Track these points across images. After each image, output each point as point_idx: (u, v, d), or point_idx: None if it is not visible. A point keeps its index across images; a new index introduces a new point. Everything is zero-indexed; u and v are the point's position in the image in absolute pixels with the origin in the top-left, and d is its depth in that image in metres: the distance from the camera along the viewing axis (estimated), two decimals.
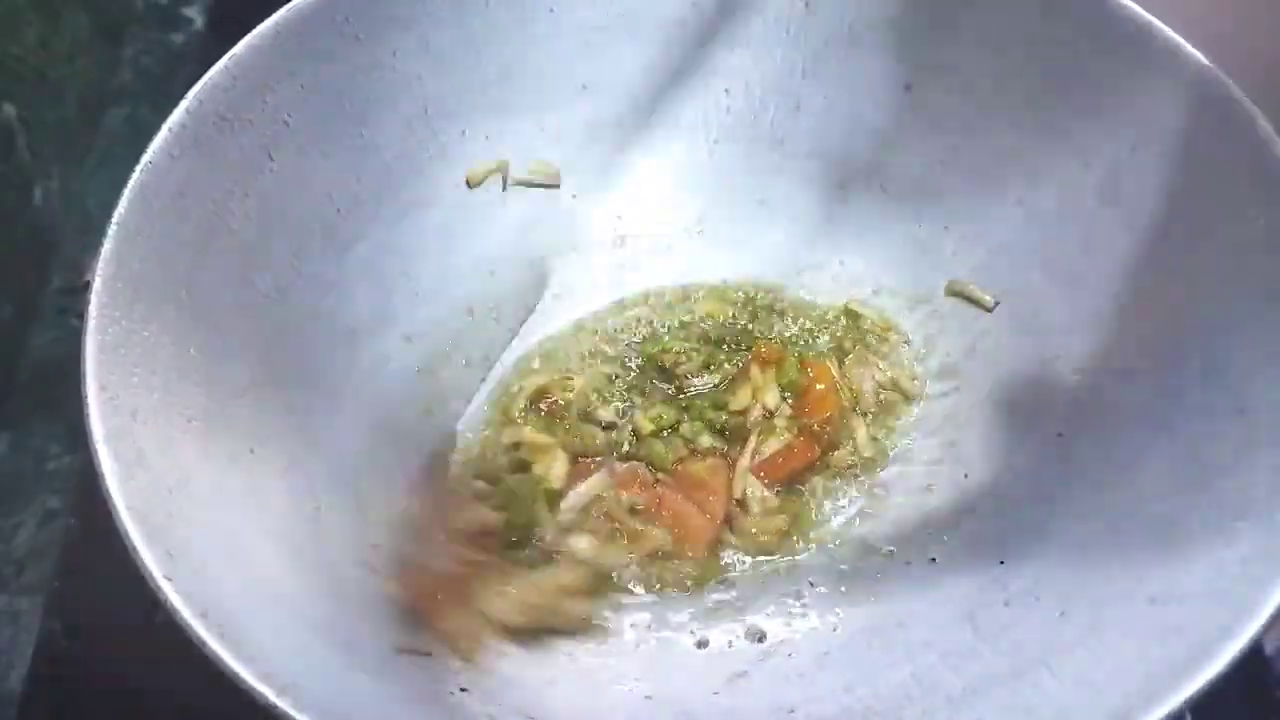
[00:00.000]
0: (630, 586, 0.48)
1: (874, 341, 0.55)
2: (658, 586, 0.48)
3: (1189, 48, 0.45)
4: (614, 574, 0.48)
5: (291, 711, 0.32)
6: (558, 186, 0.56)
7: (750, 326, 0.55)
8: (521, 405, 0.53)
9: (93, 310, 0.39)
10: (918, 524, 0.49)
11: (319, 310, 0.49)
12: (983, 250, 0.53)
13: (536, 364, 0.55)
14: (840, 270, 0.57)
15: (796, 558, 0.49)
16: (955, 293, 0.54)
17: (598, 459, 0.51)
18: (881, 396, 0.53)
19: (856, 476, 0.51)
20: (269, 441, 0.44)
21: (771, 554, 0.49)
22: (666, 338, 0.55)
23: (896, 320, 0.55)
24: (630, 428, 0.52)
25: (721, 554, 0.49)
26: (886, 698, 0.41)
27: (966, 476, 0.49)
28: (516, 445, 0.52)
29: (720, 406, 0.52)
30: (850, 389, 0.53)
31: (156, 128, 0.43)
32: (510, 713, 0.41)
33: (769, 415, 0.52)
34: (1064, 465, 0.47)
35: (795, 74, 0.55)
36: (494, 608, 0.44)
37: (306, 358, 0.48)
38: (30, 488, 0.57)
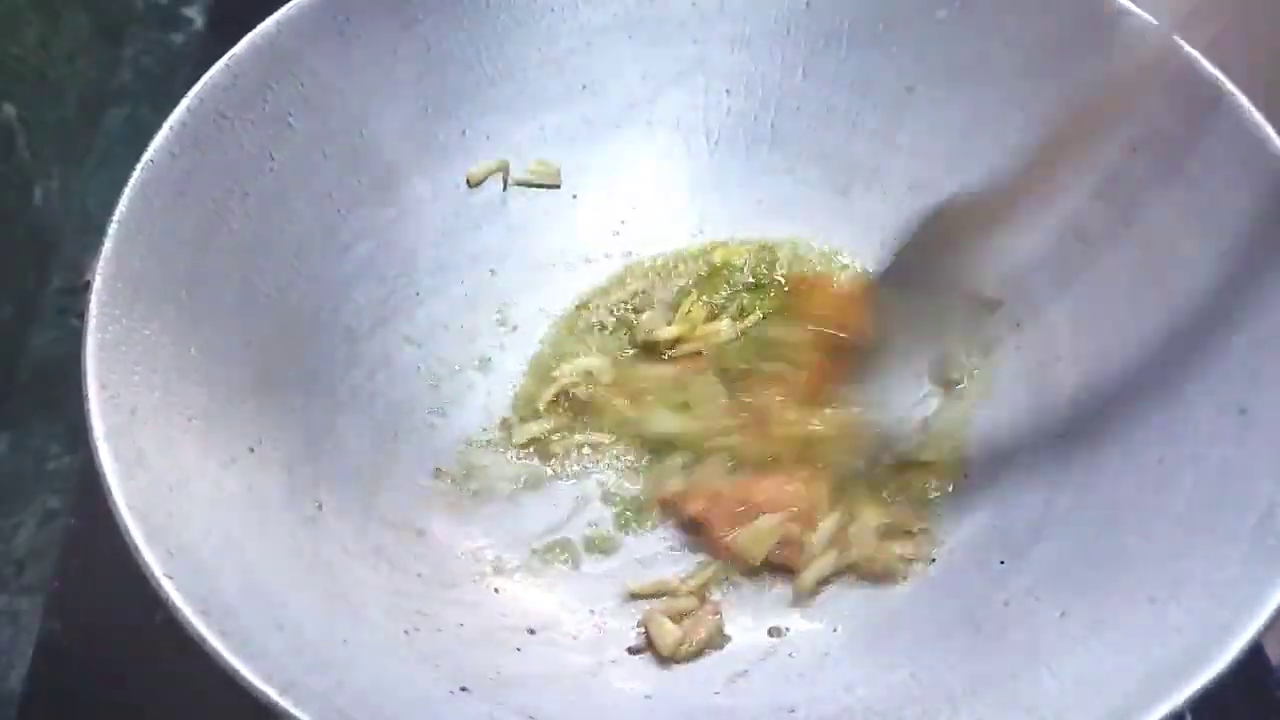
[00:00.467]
0: None
1: None
2: None
3: (1188, 48, 0.45)
4: None
5: (293, 710, 0.32)
6: (558, 187, 0.56)
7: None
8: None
9: (93, 309, 0.39)
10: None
11: (319, 310, 0.49)
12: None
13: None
14: (840, 272, 0.57)
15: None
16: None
17: None
18: None
19: None
20: (269, 441, 0.44)
21: None
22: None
23: None
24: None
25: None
26: (887, 698, 0.41)
27: (966, 477, 0.49)
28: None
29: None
30: None
31: (156, 128, 0.43)
32: (510, 712, 0.41)
33: None
34: (1064, 465, 0.46)
35: (796, 75, 0.55)
36: None
37: (307, 357, 0.48)
38: (30, 488, 0.57)
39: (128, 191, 0.41)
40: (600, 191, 0.57)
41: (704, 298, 0.54)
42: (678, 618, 0.46)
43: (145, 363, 0.40)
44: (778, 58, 0.55)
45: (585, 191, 0.57)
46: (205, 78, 0.44)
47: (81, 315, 0.39)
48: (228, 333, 0.44)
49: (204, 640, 0.33)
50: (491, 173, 0.55)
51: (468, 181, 0.54)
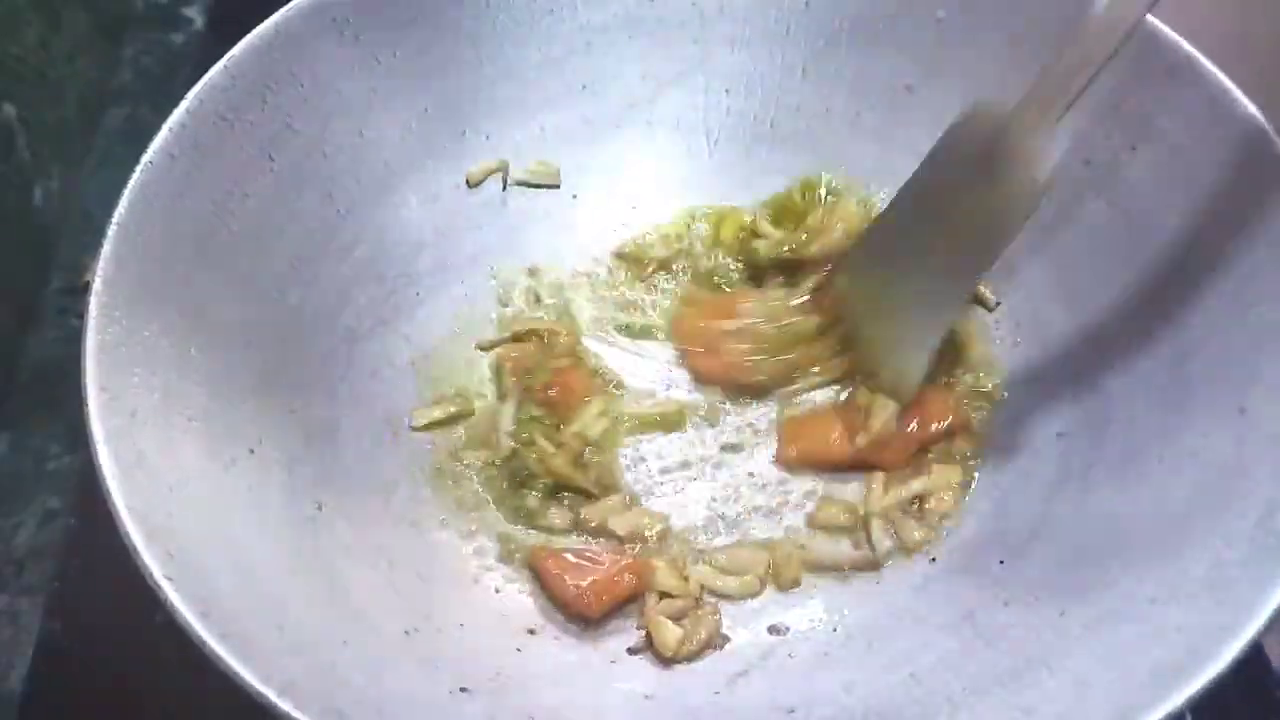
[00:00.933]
0: None
1: None
2: None
3: (1189, 47, 0.45)
4: None
5: (292, 712, 0.32)
6: (558, 187, 0.56)
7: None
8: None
9: (93, 310, 0.39)
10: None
11: (319, 310, 0.49)
12: None
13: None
14: None
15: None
16: None
17: None
18: None
19: None
20: (269, 442, 0.44)
21: None
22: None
23: None
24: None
25: None
26: (886, 698, 0.41)
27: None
28: None
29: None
30: None
31: (156, 128, 0.43)
32: (510, 713, 0.41)
33: None
34: (1064, 465, 0.47)
35: (795, 74, 0.55)
36: None
37: (307, 358, 0.48)
38: (30, 488, 0.57)
39: (127, 193, 0.41)
40: (600, 191, 0.57)
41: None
42: (678, 617, 0.46)
43: (145, 364, 0.40)
44: (777, 58, 0.55)
45: (585, 191, 0.57)
46: (204, 80, 0.44)
47: (81, 315, 0.39)
48: (228, 334, 0.44)
49: (204, 643, 0.33)
50: (491, 173, 0.55)
51: (467, 181, 0.54)
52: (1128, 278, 0.47)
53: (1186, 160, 0.45)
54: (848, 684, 0.42)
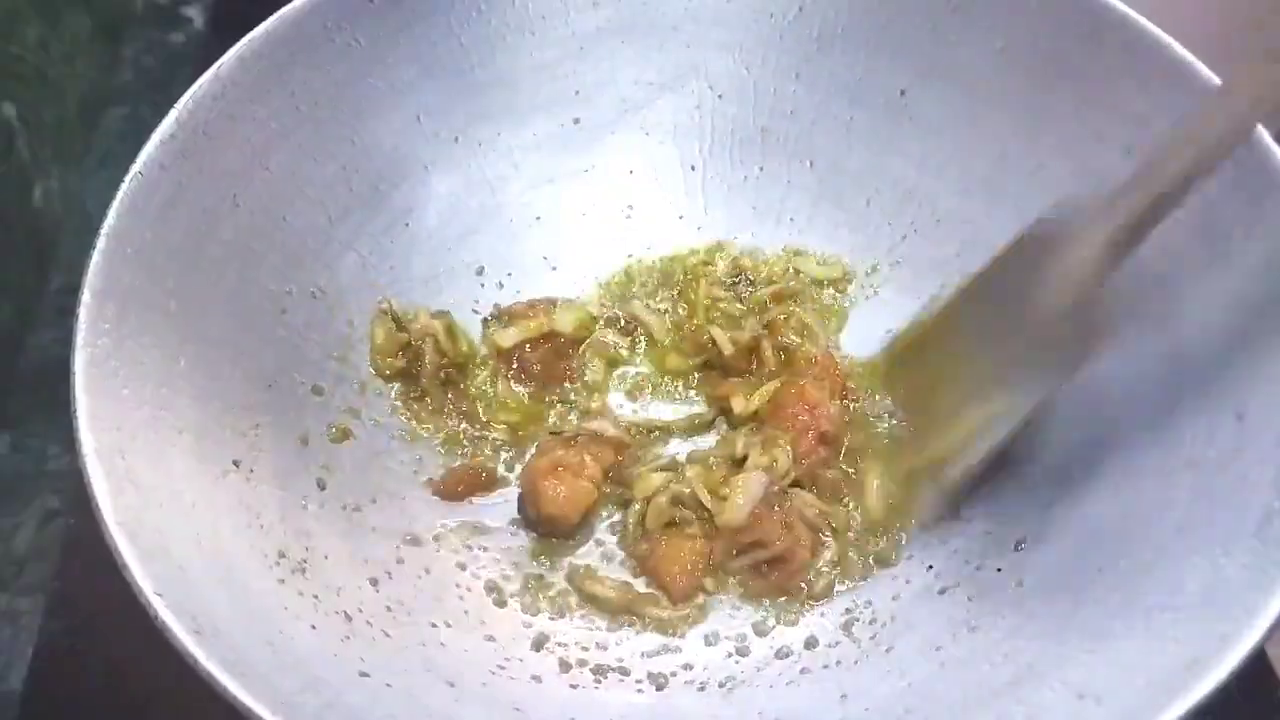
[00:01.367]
0: None
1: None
2: None
3: (1183, 51, 0.45)
4: None
5: None
6: None
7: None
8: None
9: (81, 323, 0.39)
10: (914, 532, 0.49)
11: (311, 320, 0.49)
12: (981, 254, 0.52)
13: None
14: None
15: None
16: None
17: None
18: None
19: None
20: (261, 454, 0.44)
21: None
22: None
23: None
24: None
25: None
26: (884, 707, 0.41)
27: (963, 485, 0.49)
28: None
29: None
30: None
31: (157, 128, 0.43)
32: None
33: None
34: (1063, 473, 0.46)
35: (789, 78, 0.55)
36: None
37: (298, 368, 0.48)
38: (30, 488, 0.57)
39: (116, 204, 0.41)
40: (593, 197, 0.57)
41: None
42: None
43: (134, 376, 0.40)
44: (771, 62, 0.55)
45: (578, 197, 0.57)
46: (194, 87, 0.44)
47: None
48: (218, 344, 0.44)
49: (195, 660, 0.33)
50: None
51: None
52: (1125, 283, 0.47)
53: None
54: (845, 693, 0.43)
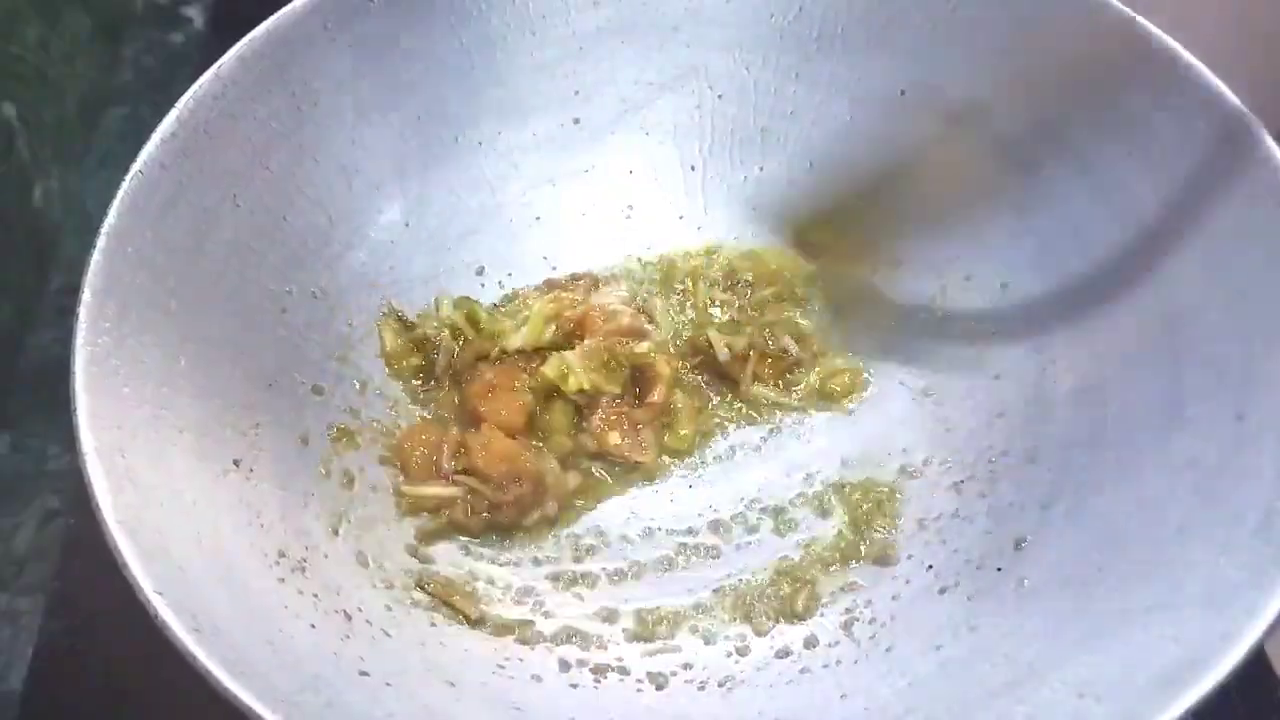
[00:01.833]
0: None
1: None
2: None
3: (1186, 53, 0.45)
4: None
5: None
6: None
7: None
8: None
9: (82, 322, 0.39)
10: (914, 531, 0.49)
11: (311, 319, 0.49)
12: (981, 253, 0.52)
13: None
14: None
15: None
16: None
17: None
18: None
19: None
20: (261, 453, 0.44)
21: None
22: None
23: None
24: None
25: None
26: (884, 706, 0.41)
27: (962, 483, 0.49)
28: None
29: None
30: None
31: (157, 127, 0.43)
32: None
33: None
34: (1062, 473, 0.46)
35: (789, 78, 0.55)
36: None
37: (298, 367, 0.48)
38: (30, 488, 0.57)
39: (116, 203, 0.41)
40: (593, 197, 0.57)
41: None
42: None
43: (135, 375, 0.40)
44: (771, 62, 0.55)
45: (578, 197, 0.57)
46: (194, 87, 0.44)
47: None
48: (219, 344, 0.44)
49: (194, 659, 0.33)
50: None
51: None
52: (1125, 284, 0.47)
53: (1181, 165, 0.45)
54: (845, 693, 0.42)
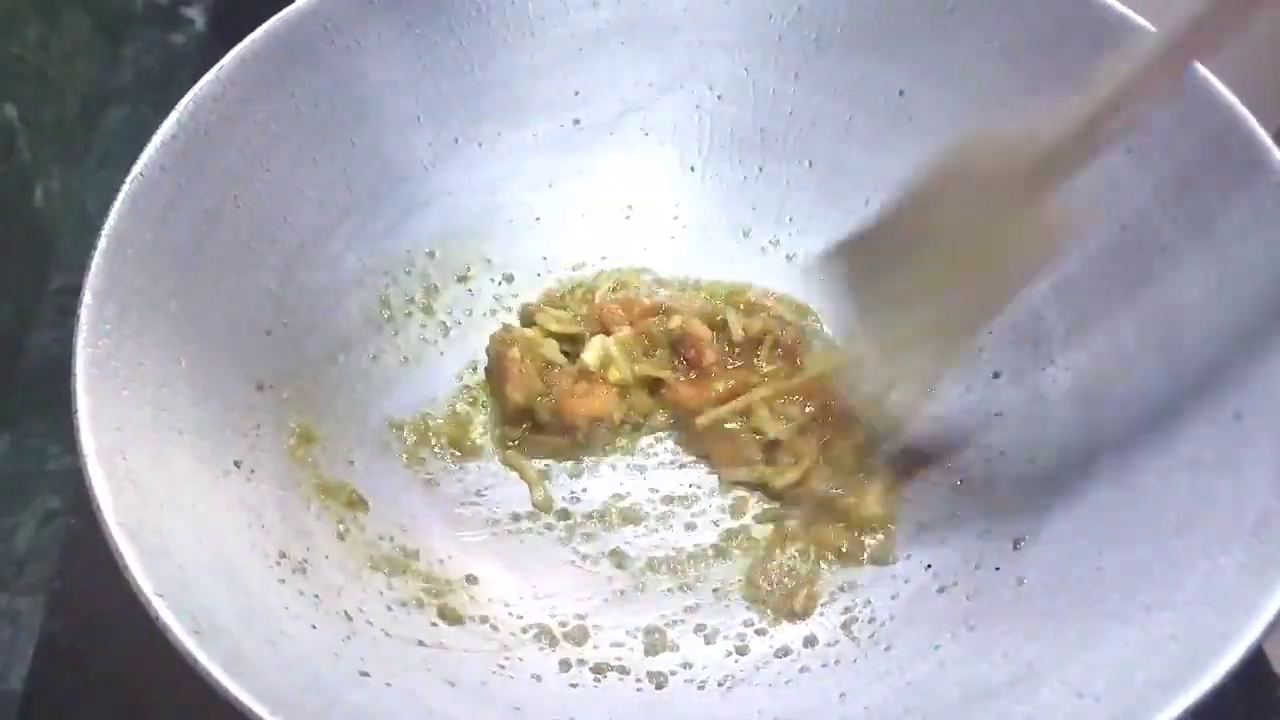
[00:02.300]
0: None
1: None
2: None
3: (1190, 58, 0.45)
4: None
5: None
6: None
7: None
8: None
9: (82, 323, 0.39)
10: (913, 531, 0.49)
11: (311, 320, 0.49)
12: None
13: None
14: None
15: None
16: None
17: None
18: None
19: None
20: (262, 455, 0.44)
21: None
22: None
23: None
24: None
25: None
26: (882, 706, 0.41)
27: (961, 483, 0.49)
28: None
29: None
30: None
31: (157, 128, 0.43)
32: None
33: None
34: (1062, 472, 0.46)
35: (789, 78, 0.55)
36: None
37: (299, 368, 0.48)
38: (30, 488, 0.57)
39: (117, 204, 0.41)
40: (593, 197, 0.57)
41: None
42: None
43: (135, 377, 0.40)
44: (771, 63, 0.55)
45: (578, 198, 0.57)
46: (194, 89, 0.44)
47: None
48: (219, 345, 0.44)
49: (195, 660, 0.33)
50: None
51: None
52: (1123, 284, 0.47)
53: (1181, 164, 0.45)
54: (843, 692, 0.43)
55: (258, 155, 0.46)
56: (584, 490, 0.51)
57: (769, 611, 0.47)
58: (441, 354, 0.54)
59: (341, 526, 0.46)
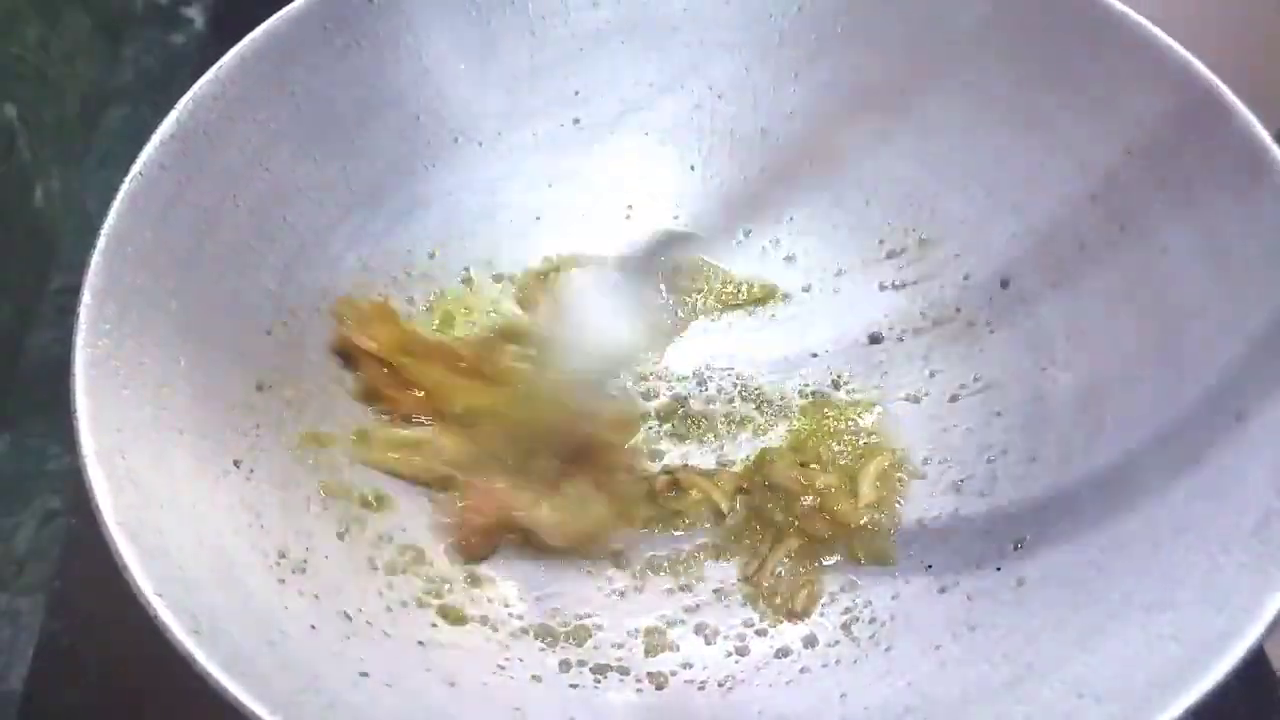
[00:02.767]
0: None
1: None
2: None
3: (1183, 51, 0.45)
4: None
5: None
6: None
7: None
8: None
9: (82, 323, 0.39)
10: (913, 532, 0.49)
11: (311, 320, 0.49)
12: (981, 254, 0.52)
13: None
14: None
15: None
16: None
17: None
18: None
19: None
20: (262, 455, 0.44)
21: None
22: None
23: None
24: None
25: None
26: (883, 707, 0.41)
27: (962, 483, 0.49)
28: None
29: None
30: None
31: (156, 128, 0.43)
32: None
33: None
34: (1060, 473, 0.46)
35: (789, 78, 0.55)
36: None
37: (299, 368, 0.48)
38: (30, 488, 0.57)
39: (116, 204, 0.41)
40: (593, 197, 0.57)
41: None
42: None
43: (135, 377, 0.40)
44: (771, 62, 0.55)
45: (578, 197, 0.57)
46: (194, 88, 0.44)
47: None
48: (218, 344, 0.44)
49: (194, 660, 0.33)
50: None
51: None
52: (1124, 283, 0.47)
53: (1181, 164, 0.45)
54: (843, 692, 0.43)
55: (257, 154, 0.46)
56: None
57: (769, 612, 0.47)
58: None
59: (341, 526, 0.46)
